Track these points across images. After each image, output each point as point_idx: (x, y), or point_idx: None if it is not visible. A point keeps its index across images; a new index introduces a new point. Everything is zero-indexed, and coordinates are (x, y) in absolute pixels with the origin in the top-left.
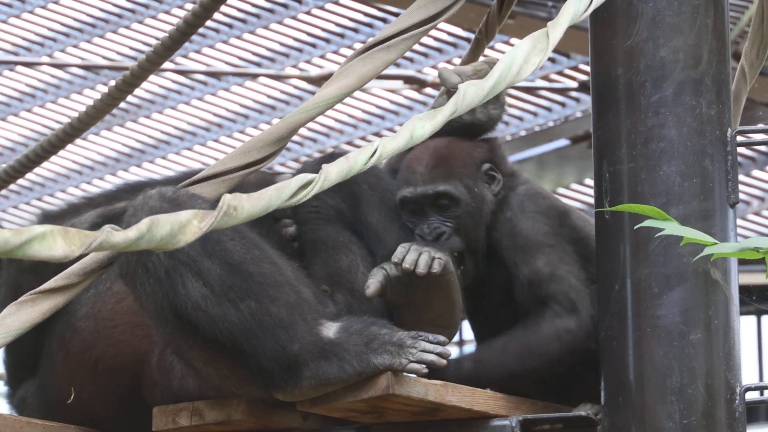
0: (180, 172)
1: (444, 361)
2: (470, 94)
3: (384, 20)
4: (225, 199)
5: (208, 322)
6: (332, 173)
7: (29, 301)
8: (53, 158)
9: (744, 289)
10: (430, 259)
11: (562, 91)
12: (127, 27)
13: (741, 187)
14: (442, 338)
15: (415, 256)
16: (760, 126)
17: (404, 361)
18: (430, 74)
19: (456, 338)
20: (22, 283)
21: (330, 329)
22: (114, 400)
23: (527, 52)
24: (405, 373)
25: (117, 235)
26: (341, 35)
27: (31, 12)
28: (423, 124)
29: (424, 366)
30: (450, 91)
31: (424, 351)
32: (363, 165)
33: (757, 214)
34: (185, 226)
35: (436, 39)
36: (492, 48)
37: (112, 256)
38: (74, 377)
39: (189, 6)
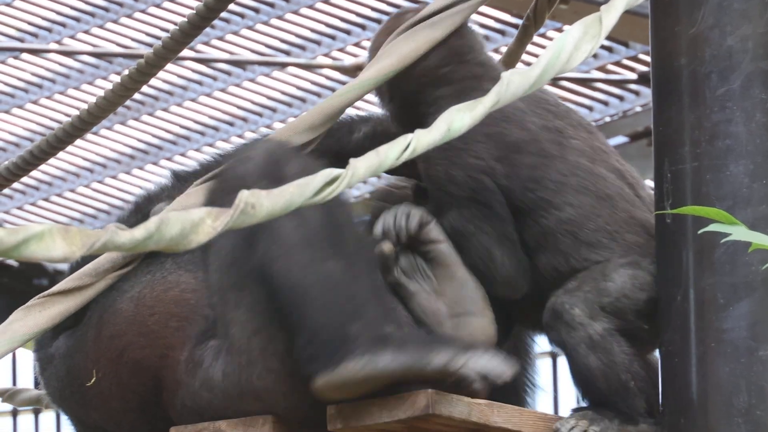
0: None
1: (508, 374)
2: (515, 83)
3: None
4: (242, 197)
5: (283, 277)
6: (361, 168)
7: (38, 305)
8: (61, 154)
9: None
10: (404, 217)
11: (620, 83)
12: (143, 11)
13: None
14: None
15: (390, 221)
16: None
17: (462, 361)
18: None
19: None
20: None
21: (393, 327)
22: (132, 399)
23: (578, 38)
24: (449, 391)
25: (122, 236)
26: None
27: None
28: (462, 116)
29: (483, 375)
30: None
31: (486, 359)
32: (395, 160)
33: None
34: (198, 225)
35: (481, 26)
36: (543, 36)
37: (128, 255)
38: (99, 362)
39: None
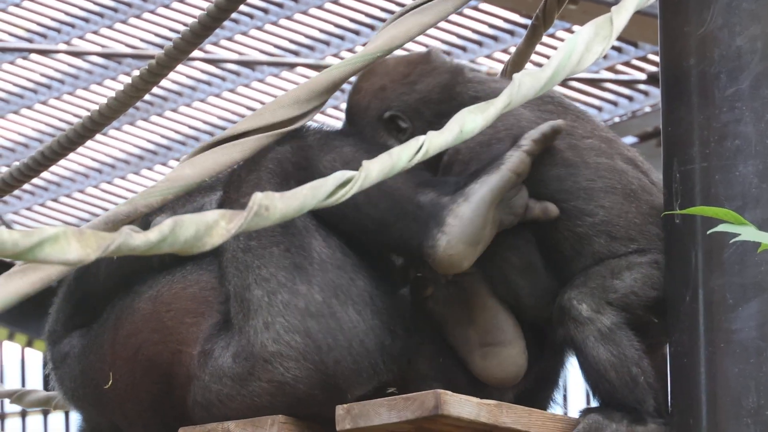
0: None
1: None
2: (526, 84)
3: None
4: (256, 199)
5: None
6: (373, 171)
7: (19, 271)
8: (70, 155)
9: None
10: None
11: (629, 84)
12: (153, 12)
13: None
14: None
15: None
16: None
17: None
18: (485, 64)
19: None
20: None
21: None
22: (146, 398)
23: (589, 39)
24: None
25: (137, 238)
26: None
27: None
28: (474, 118)
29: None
30: None
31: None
32: (407, 162)
33: None
34: (212, 227)
35: (491, 26)
36: (552, 36)
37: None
38: (115, 363)
39: None
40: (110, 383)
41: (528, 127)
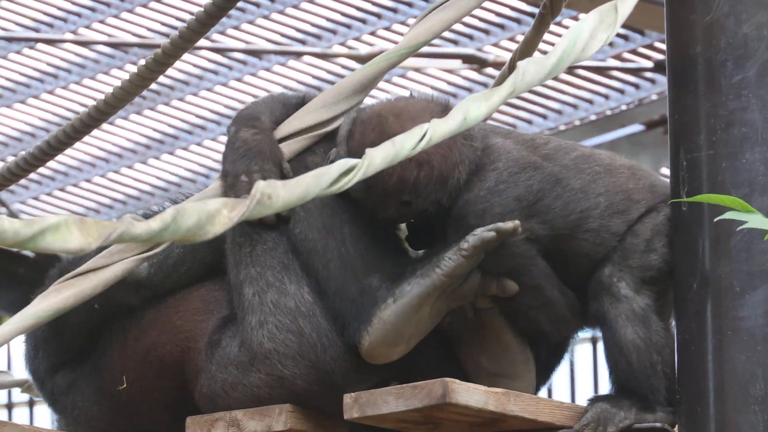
0: None
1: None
2: (530, 72)
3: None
4: (258, 187)
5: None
6: (377, 158)
7: (53, 291)
8: (77, 145)
9: None
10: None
11: (636, 72)
12: (159, 1)
13: None
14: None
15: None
16: None
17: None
18: (492, 53)
19: None
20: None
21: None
22: (159, 398)
23: (593, 26)
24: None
25: (138, 227)
26: (394, 10)
27: None
28: (478, 105)
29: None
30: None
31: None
32: (411, 150)
33: None
34: (214, 216)
35: (497, 14)
36: (559, 24)
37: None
38: (127, 367)
39: None
40: (124, 385)
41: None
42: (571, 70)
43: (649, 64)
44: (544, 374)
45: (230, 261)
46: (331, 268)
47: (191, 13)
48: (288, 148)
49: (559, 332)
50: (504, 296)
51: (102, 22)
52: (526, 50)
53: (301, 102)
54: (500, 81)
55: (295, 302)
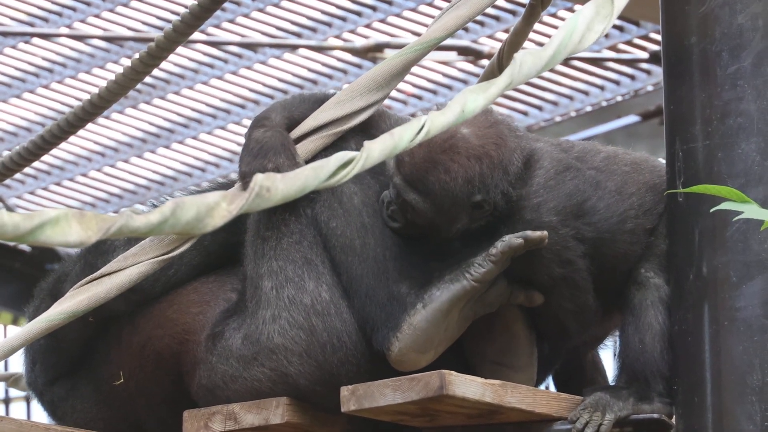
0: None
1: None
2: (527, 63)
3: None
4: (257, 180)
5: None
6: (375, 150)
7: (69, 296)
8: (73, 139)
9: None
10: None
11: (631, 63)
12: None
13: None
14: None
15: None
16: None
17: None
18: (487, 44)
19: None
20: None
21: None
22: (158, 392)
23: (590, 18)
24: (460, 376)
25: (137, 220)
26: (389, 2)
27: None
28: (475, 98)
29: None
30: None
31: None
32: (409, 142)
33: None
34: (213, 209)
35: (493, 6)
36: (554, 15)
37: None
38: (123, 363)
39: None
40: (121, 380)
41: None
42: (566, 62)
43: (645, 55)
44: (543, 370)
45: (249, 254)
46: (366, 268)
47: (186, 7)
48: (303, 148)
49: (581, 337)
50: (530, 306)
51: (97, 16)
52: (515, 41)
53: (324, 98)
54: (488, 72)
55: (312, 299)
